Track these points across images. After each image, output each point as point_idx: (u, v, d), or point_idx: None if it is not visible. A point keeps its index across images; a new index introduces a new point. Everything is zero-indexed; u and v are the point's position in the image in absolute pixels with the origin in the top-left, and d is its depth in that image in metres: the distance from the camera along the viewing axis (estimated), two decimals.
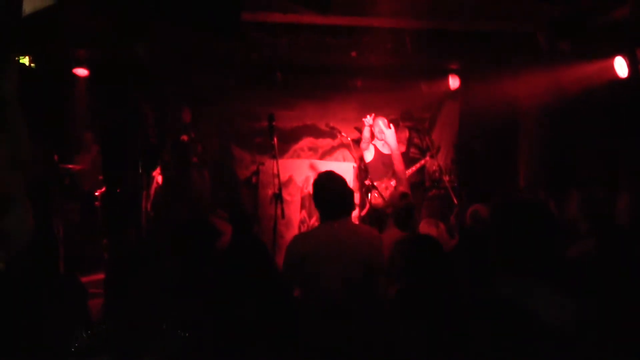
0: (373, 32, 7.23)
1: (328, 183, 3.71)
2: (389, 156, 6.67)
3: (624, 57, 6.48)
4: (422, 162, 7.81)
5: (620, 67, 6.53)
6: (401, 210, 4.83)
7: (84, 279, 5.61)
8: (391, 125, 6.68)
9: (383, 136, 6.78)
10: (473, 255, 3.51)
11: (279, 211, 6.33)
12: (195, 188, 7.50)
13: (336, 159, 8.75)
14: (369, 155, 7.03)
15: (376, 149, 7.05)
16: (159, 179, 6.49)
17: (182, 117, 7.27)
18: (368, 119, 6.89)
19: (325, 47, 7.39)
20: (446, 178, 7.65)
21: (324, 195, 3.69)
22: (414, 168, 7.71)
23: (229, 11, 4.70)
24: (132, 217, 5.40)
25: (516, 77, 7.70)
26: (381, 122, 6.83)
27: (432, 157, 7.76)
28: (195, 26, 4.54)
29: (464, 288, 3.13)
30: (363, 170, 7.06)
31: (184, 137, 7.26)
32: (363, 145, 7.09)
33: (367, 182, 6.46)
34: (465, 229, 5.02)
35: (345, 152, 8.13)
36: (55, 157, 6.04)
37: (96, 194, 6.49)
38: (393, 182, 6.77)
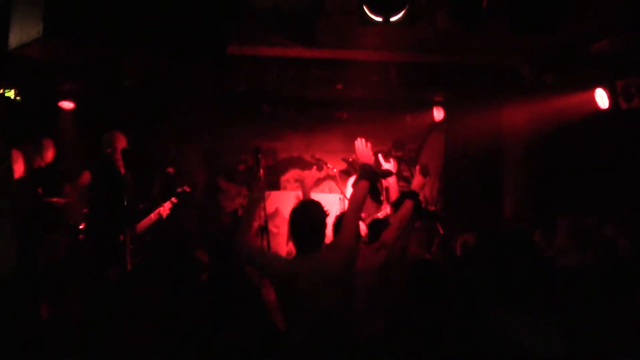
0: (358, 65, 7.31)
1: (306, 212, 3.65)
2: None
3: (604, 89, 6.58)
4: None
5: (601, 98, 6.62)
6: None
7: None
8: (391, 160, 6.71)
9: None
10: (462, 286, 3.49)
11: (264, 243, 6.29)
12: (181, 221, 7.42)
13: (322, 191, 8.72)
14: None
15: None
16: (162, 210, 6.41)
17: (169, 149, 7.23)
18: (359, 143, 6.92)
19: (311, 79, 7.44)
20: (432, 208, 7.65)
21: (301, 226, 3.61)
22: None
23: (215, 44, 4.72)
24: (114, 254, 5.29)
25: (500, 109, 7.80)
26: (380, 156, 6.89)
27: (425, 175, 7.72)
28: (182, 59, 4.54)
29: (455, 319, 3.11)
30: None
31: (171, 170, 7.20)
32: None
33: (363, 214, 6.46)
34: (454, 259, 5.01)
35: (332, 184, 8.12)
36: (40, 190, 5.96)
37: (81, 227, 6.40)
38: (381, 214, 6.76)
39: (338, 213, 6.83)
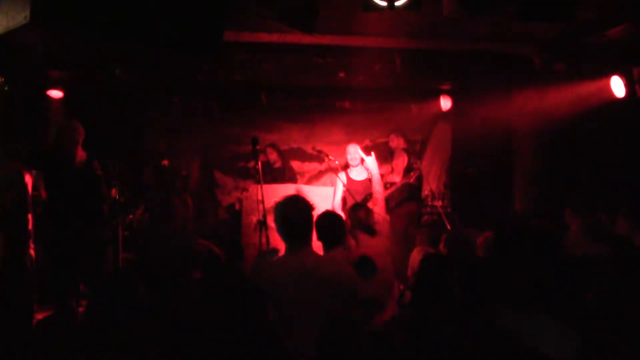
0: (361, 52, 7.28)
1: (292, 207, 3.64)
2: (361, 183, 6.81)
3: (620, 76, 6.55)
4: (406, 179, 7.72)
5: (617, 86, 6.60)
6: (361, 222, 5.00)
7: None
8: (372, 152, 6.72)
9: (358, 163, 6.91)
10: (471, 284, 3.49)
11: (263, 239, 6.28)
12: (177, 215, 7.41)
13: (324, 184, 8.71)
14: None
15: (348, 177, 7.10)
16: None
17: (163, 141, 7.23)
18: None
19: (312, 67, 7.41)
20: (439, 203, 7.64)
21: (288, 221, 3.55)
22: (393, 188, 7.66)
23: (210, 31, 4.70)
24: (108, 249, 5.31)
25: (510, 98, 7.76)
26: (358, 150, 6.93)
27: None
28: (176, 47, 4.53)
29: (467, 318, 3.10)
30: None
31: (165, 162, 7.19)
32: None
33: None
34: (469, 256, 5.02)
35: (333, 177, 8.08)
36: (28, 184, 5.95)
37: None
38: None
39: (330, 208, 6.93)
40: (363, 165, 6.80)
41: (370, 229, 4.96)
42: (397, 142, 7.63)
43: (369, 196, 6.67)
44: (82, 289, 5.70)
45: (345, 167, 7.16)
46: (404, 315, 3.77)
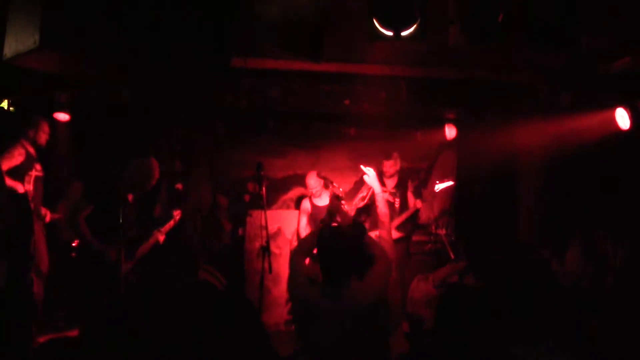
0: (367, 80, 7.32)
1: (335, 240, 3.64)
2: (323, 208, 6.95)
3: (625, 108, 6.58)
4: (413, 208, 7.72)
5: (622, 118, 6.62)
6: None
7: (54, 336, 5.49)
8: (370, 168, 6.75)
9: (320, 194, 7.09)
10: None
11: (266, 265, 6.27)
12: (188, 239, 7.39)
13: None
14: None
15: (312, 203, 7.19)
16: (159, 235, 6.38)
17: (175, 165, 7.22)
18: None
19: (318, 94, 7.45)
20: (442, 232, 7.63)
21: (328, 255, 3.61)
22: (405, 215, 7.66)
23: (218, 56, 4.75)
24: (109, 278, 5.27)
25: (515, 128, 7.79)
26: (319, 182, 7.06)
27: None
28: (184, 73, 4.58)
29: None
30: None
31: (179, 186, 7.19)
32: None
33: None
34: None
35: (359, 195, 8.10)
36: (32, 206, 5.98)
37: (73, 244, 6.40)
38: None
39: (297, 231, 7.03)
40: (365, 182, 6.83)
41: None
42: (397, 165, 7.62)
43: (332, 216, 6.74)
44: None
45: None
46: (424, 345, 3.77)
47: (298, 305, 3.74)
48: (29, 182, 6.14)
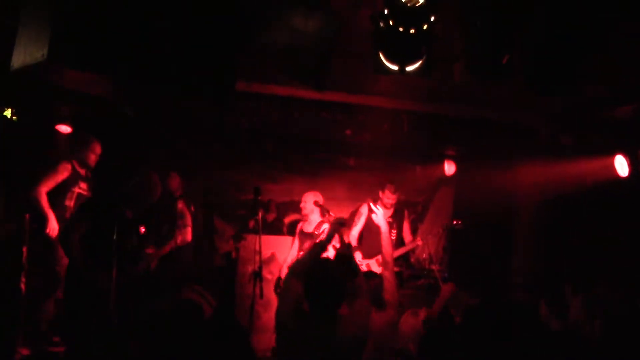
0: (369, 111, 7.36)
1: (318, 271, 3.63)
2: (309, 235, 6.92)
3: (625, 156, 6.61)
4: (413, 244, 7.70)
5: (621, 166, 6.65)
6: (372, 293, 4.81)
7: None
8: (378, 206, 6.72)
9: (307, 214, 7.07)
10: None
11: (257, 290, 6.26)
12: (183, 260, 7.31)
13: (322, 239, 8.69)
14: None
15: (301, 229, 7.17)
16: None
17: (170, 184, 7.14)
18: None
19: (319, 122, 7.48)
20: (436, 267, 7.61)
21: (315, 285, 3.59)
22: (403, 249, 7.64)
23: (223, 80, 4.78)
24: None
25: (514, 168, 7.82)
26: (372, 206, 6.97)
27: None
28: (189, 94, 4.60)
29: None
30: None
31: (181, 204, 7.12)
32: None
33: None
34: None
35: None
36: (27, 217, 5.95)
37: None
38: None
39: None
40: (373, 220, 6.80)
41: (380, 302, 4.70)
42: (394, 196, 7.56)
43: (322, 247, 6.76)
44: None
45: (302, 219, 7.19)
46: None
47: (283, 333, 3.70)
48: (71, 199, 6.17)
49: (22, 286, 5.70)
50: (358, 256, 6.97)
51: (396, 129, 7.54)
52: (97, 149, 6.37)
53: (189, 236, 6.81)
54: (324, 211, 7.18)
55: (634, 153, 6.51)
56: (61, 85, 5.53)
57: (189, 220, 6.90)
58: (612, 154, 6.74)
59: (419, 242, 7.61)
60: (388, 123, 7.56)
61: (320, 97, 6.95)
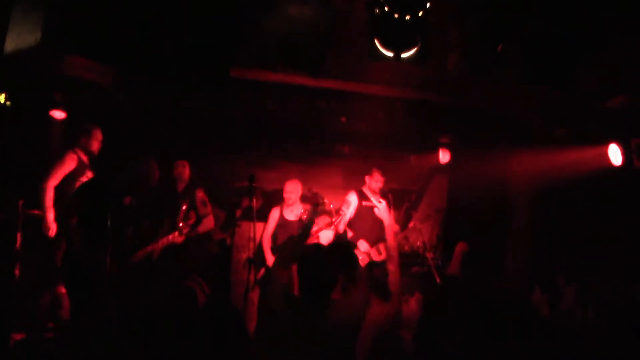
0: (365, 99, 7.35)
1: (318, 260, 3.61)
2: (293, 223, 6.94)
3: (618, 145, 6.63)
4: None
5: (615, 155, 6.67)
6: (376, 283, 4.81)
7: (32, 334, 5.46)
8: (381, 200, 6.74)
9: (293, 202, 7.10)
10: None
11: (251, 277, 6.27)
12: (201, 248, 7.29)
13: (327, 228, 8.69)
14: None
15: (281, 215, 7.16)
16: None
17: (183, 172, 7.10)
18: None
19: (314, 110, 7.47)
20: (430, 255, 7.63)
21: (309, 274, 3.56)
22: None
23: (219, 66, 4.78)
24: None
25: (508, 158, 7.84)
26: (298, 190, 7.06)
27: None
28: (184, 81, 4.60)
29: None
30: None
31: (201, 193, 7.11)
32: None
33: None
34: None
35: (327, 220, 8.09)
36: (21, 203, 5.94)
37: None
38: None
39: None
40: (375, 214, 6.79)
41: (384, 293, 4.68)
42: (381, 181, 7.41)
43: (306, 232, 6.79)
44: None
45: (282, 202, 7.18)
46: None
47: (272, 320, 3.68)
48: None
49: (17, 272, 5.71)
50: (363, 245, 6.90)
51: (391, 116, 7.54)
52: (99, 135, 6.33)
53: (211, 223, 6.80)
54: (318, 198, 7.20)
55: (627, 142, 6.53)
56: (55, 70, 5.51)
57: (209, 208, 6.90)
58: (606, 143, 6.75)
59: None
60: (383, 111, 7.56)
61: (316, 85, 6.94)
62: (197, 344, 3.08)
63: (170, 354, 3.09)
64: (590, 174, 6.90)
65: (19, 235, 5.71)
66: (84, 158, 6.23)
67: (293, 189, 7.13)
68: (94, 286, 4.90)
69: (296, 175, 8.32)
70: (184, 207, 6.63)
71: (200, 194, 6.91)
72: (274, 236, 7.04)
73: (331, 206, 7.21)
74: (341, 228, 7.09)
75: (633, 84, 5.90)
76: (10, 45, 4.15)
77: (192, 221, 6.61)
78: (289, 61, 5.34)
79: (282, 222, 7.04)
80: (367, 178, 7.30)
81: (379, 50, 4.97)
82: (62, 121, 7.06)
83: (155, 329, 3.25)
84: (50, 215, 5.90)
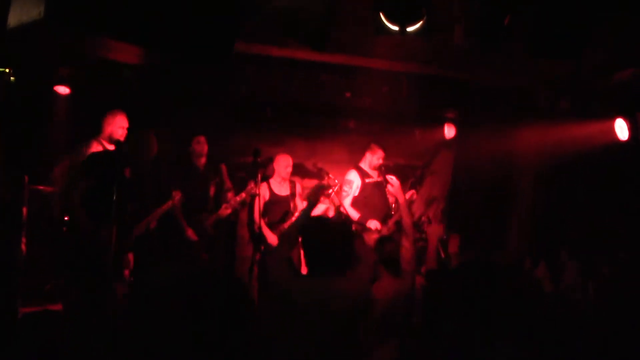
0: (369, 74, 7.32)
1: (322, 231, 3.57)
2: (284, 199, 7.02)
3: (624, 119, 6.60)
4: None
5: (621, 129, 6.64)
6: (388, 258, 4.76)
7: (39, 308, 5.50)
8: (393, 177, 6.73)
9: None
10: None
11: (256, 254, 6.29)
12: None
13: (321, 201, 8.70)
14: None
15: (270, 189, 7.17)
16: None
17: (203, 148, 7.09)
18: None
19: (319, 85, 7.45)
20: (432, 231, 7.64)
21: (314, 246, 3.52)
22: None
23: (223, 41, 4.76)
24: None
25: (513, 132, 7.81)
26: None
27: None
28: (188, 55, 4.58)
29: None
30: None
31: (224, 167, 7.11)
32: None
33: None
34: None
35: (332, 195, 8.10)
36: (26, 178, 5.95)
37: (66, 218, 6.36)
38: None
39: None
40: (387, 191, 6.76)
41: (396, 269, 4.67)
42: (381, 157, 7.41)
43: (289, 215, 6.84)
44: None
45: (269, 177, 7.17)
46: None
47: (277, 299, 3.63)
48: None
49: (23, 247, 5.74)
50: (373, 224, 6.86)
51: (396, 91, 7.51)
52: (123, 121, 6.06)
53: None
54: (323, 173, 7.19)
55: (633, 116, 6.49)
56: (59, 44, 5.49)
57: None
58: (612, 117, 6.72)
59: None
60: (388, 85, 7.53)
61: (320, 59, 6.90)
62: (203, 320, 3.09)
63: (175, 330, 3.11)
64: (596, 149, 6.88)
65: (24, 210, 5.72)
66: (109, 146, 6.04)
67: (284, 163, 7.14)
68: (99, 264, 4.93)
69: (302, 151, 8.33)
70: (215, 181, 6.70)
71: (224, 168, 6.95)
72: (266, 213, 7.00)
73: (336, 181, 7.20)
74: (345, 205, 7.06)
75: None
76: (13, 19, 4.12)
77: (240, 197, 6.69)
78: (293, 35, 5.30)
79: (274, 199, 7.03)
80: (367, 154, 7.29)
81: (384, 24, 4.93)
82: (66, 97, 7.06)
83: (163, 303, 3.27)
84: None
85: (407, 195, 7.54)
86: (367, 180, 7.09)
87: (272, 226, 6.89)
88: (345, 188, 7.11)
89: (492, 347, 2.34)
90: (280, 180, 7.16)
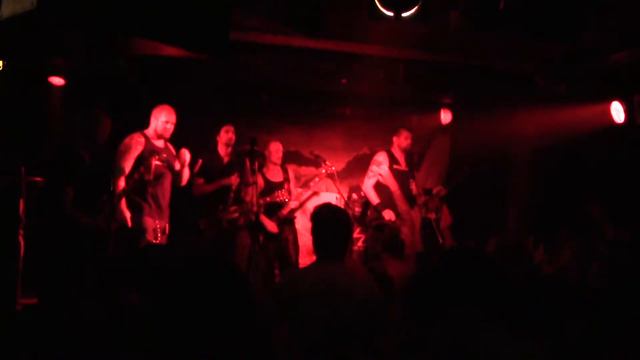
0: (365, 60, 7.30)
1: (331, 217, 3.57)
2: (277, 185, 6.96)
3: (621, 102, 6.60)
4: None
5: (617, 112, 6.65)
6: (390, 240, 4.80)
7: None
8: (382, 165, 6.71)
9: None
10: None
11: (255, 242, 6.29)
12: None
13: (318, 189, 8.70)
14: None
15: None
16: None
17: (230, 137, 7.03)
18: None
19: (315, 72, 7.43)
20: (432, 215, 7.65)
21: (324, 232, 3.51)
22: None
23: (217, 29, 4.73)
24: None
25: (510, 116, 7.81)
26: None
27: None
28: (183, 45, 4.54)
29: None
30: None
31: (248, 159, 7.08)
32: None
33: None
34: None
35: (329, 182, 8.07)
36: (23, 169, 5.93)
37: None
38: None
39: None
40: (381, 180, 6.71)
41: (396, 250, 4.66)
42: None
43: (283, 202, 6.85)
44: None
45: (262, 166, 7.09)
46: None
47: (285, 292, 3.59)
48: (149, 172, 5.54)
49: (20, 239, 5.73)
50: (388, 214, 6.72)
51: (392, 77, 7.50)
52: (170, 116, 5.96)
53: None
54: (320, 160, 7.19)
55: (630, 99, 6.50)
56: (52, 35, 5.45)
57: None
58: (609, 100, 6.72)
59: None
60: (384, 72, 7.52)
61: (316, 46, 6.88)
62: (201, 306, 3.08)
63: (174, 316, 3.11)
64: (593, 131, 6.89)
65: (21, 202, 5.71)
66: (154, 140, 5.92)
67: (274, 149, 7.13)
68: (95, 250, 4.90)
69: (298, 138, 8.32)
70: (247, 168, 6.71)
71: (248, 160, 6.91)
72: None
73: (332, 168, 7.20)
74: (367, 186, 6.92)
75: (636, 38, 5.84)
76: (6, 10, 4.09)
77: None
78: (287, 21, 5.28)
79: (269, 186, 7.00)
80: (394, 138, 7.18)
81: (379, 9, 4.90)
82: (61, 88, 7.03)
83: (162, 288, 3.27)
84: (122, 202, 5.51)
85: (435, 191, 7.58)
86: (394, 166, 6.99)
87: (269, 213, 6.89)
88: (373, 168, 6.95)
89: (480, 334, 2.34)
90: (272, 167, 7.15)
